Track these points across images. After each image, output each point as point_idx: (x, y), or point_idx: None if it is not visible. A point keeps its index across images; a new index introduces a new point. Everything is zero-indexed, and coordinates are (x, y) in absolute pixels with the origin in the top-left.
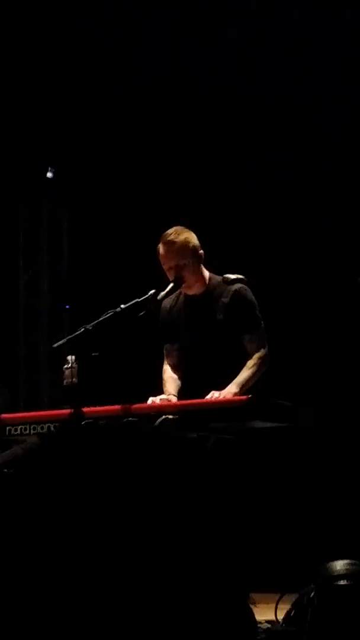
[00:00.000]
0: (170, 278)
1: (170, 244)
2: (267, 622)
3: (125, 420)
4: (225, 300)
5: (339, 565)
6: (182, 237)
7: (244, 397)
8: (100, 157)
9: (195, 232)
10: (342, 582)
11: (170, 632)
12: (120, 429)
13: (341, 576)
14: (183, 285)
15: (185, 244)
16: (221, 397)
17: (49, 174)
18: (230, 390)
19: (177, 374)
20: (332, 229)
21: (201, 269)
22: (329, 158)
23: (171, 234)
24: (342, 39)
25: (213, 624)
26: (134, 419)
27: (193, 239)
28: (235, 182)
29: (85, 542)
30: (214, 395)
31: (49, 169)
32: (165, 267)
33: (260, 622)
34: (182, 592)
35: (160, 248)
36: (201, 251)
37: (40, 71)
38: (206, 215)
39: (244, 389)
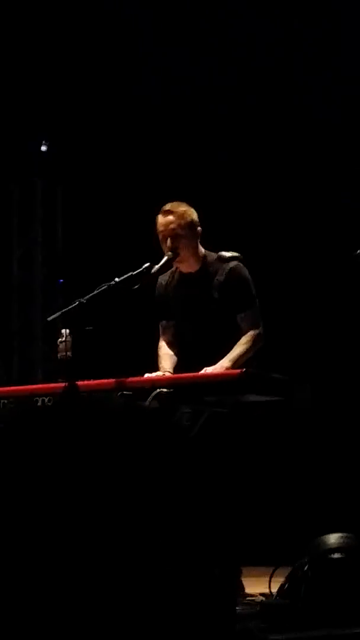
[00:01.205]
0: (165, 250)
1: (168, 212)
2: (261, 595)
3: (119, 393)
4: (220, 278)
5: (333, 538)
6: (181, 209)
7: (237, 371)
8: (95, 130)
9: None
10: (335, 555)
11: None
12: (115, 403)
13: (335, 549)
14: (177, 259)
15: (184, 215)
16: (214, 371)
17: (43, 147)
18: (223, 365)
19: (173, 351)
20: (328, 203)
21: (198, 245)
22: (325, 134)
23: (171, 204)
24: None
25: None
26: (128, 392)
27: (193, 213)
28: (232, 158)
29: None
30: (206, 371)
31: (43, 142)
32: (160, 236)
33: (254, 595)
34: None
35: (159, 217)
36: (199, 228)
37: (33, 43)
38: (201, 190)
39: (236, 364)
